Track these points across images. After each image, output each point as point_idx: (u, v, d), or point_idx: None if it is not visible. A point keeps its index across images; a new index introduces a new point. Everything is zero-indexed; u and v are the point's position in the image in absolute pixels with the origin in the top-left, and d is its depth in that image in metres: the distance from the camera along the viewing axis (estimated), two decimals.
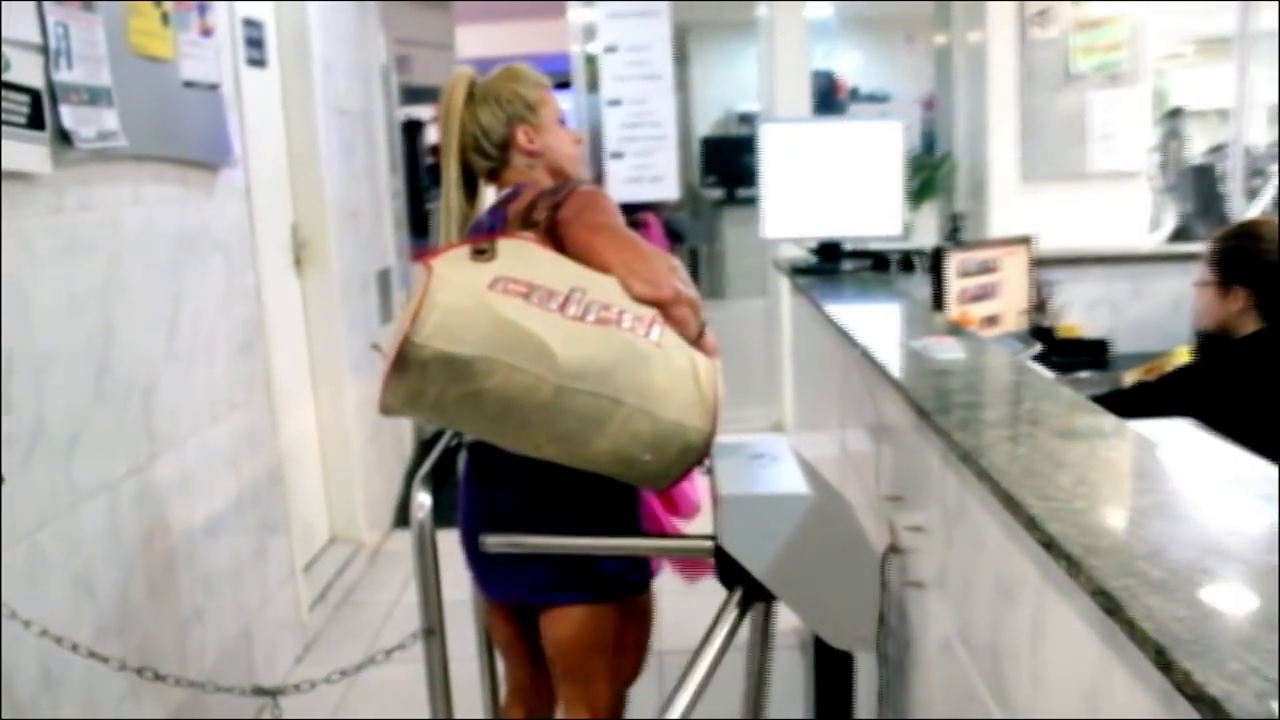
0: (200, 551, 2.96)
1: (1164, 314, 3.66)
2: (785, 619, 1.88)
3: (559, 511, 2.01)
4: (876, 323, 2.72)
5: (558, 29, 5.89)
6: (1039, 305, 3.53)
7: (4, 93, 2.08)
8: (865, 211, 3.44)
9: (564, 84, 5.47)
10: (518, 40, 7.07)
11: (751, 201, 3.55)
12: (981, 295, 3.21)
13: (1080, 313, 3.66)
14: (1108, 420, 1.51)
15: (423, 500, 1.95)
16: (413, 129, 6.40)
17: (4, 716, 2.03)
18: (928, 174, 5.43)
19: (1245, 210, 7.62)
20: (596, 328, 1.67)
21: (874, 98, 8.38)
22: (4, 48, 2.09)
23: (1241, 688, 0.77)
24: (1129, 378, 2.90)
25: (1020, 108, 4.85)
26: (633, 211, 5.87)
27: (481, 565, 2.13)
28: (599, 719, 2.14)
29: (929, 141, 6.11)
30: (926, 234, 5.26)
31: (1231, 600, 0.93)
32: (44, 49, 2.24)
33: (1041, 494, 1.18)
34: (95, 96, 2.43)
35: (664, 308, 1.76)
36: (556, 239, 1.87)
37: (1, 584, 2.00)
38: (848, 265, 3.56)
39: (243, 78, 3.45)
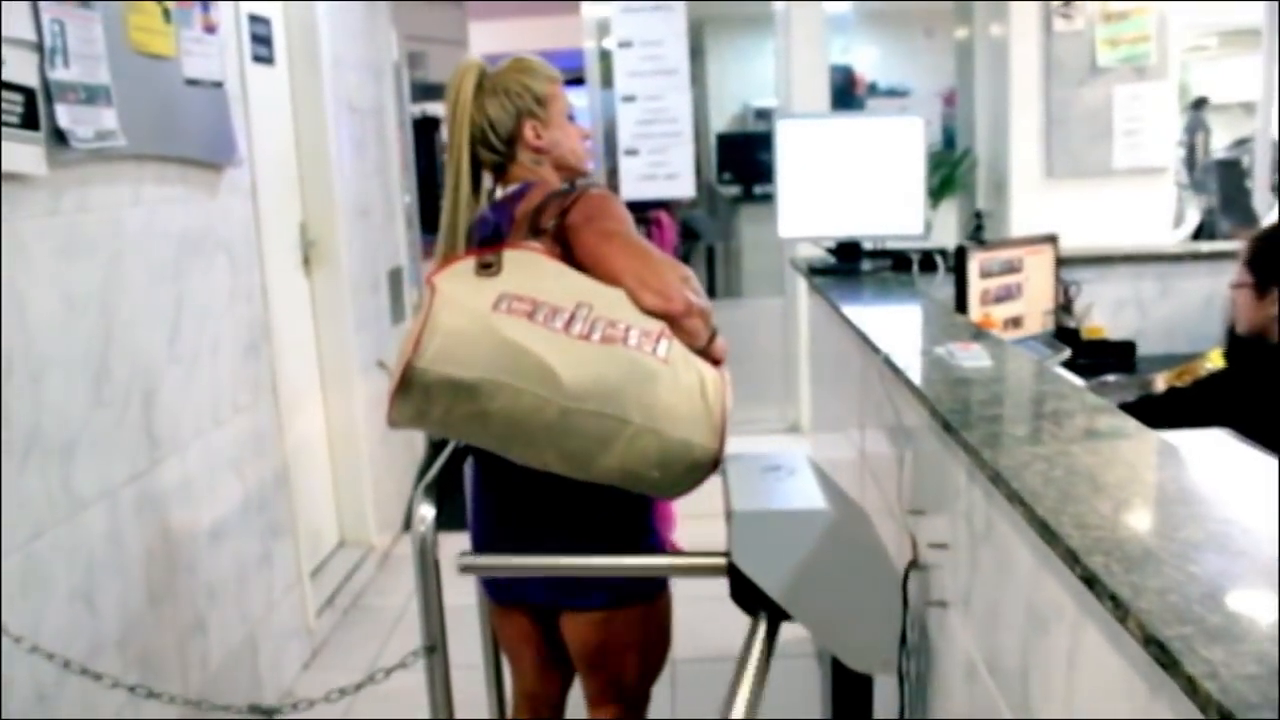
0: (203, 558, 2.90)
1: (1193, 315, 3.56)
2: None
3: (570, 516, 1.98)
4: (897, 326, 2.64)
5: (571, 25, 5.81)
6: (1064, 306, 3.44)
7: None
8: (885, 210, 3.35)
9: (577, 80, 5.40)
10: (531, 36, 7.00)
11: (768, 199, 3.47)
12: (1004, 296, 3.11)
13: (1106, 313, 3.56)
14: (1150, 438, 1.42)
15: (425, 513, 1.87)
16: (429, 126, 6.34)
17: None
18: (948, 170, 5.33)
19: (1272, 205, 7.50)
20: (602, 346, 1.65)
21: (893, 93, 8.29)
22: None
23: None
24: (1160, 382, 2.81)
25: (1043, 102, 4.73)
26: (646, 209, 5.79)
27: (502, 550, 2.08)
28: (626, 715, 2.16)
29: (949, 137, 6.01)
30: (945, 232, 5.16)
31: None
32: (39, 47, 2.18)
33: (1080, 522, 1.09)
34: (93, 95, 2.37)
35: (675, 320, 1.73)
36: (565, 243, 1.84)
37: None
38: (867, 265, 3.47)
39: (248, 75, 3.38)
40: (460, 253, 2.00)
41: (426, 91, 6.37)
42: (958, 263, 2.99)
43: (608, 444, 1.67)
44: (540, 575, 1.98)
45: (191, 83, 2.87)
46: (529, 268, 1.73)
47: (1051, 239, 3.30)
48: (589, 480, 1.77)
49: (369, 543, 4.39)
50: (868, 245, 3.53)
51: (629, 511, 2.01)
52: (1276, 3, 5.81)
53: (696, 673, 3.17)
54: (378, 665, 3.58)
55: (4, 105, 2.05)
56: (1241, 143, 9.86)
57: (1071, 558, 1.02)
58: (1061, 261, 3.36)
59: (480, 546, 2.13)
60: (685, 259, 7.19)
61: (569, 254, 1.83)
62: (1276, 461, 1.59)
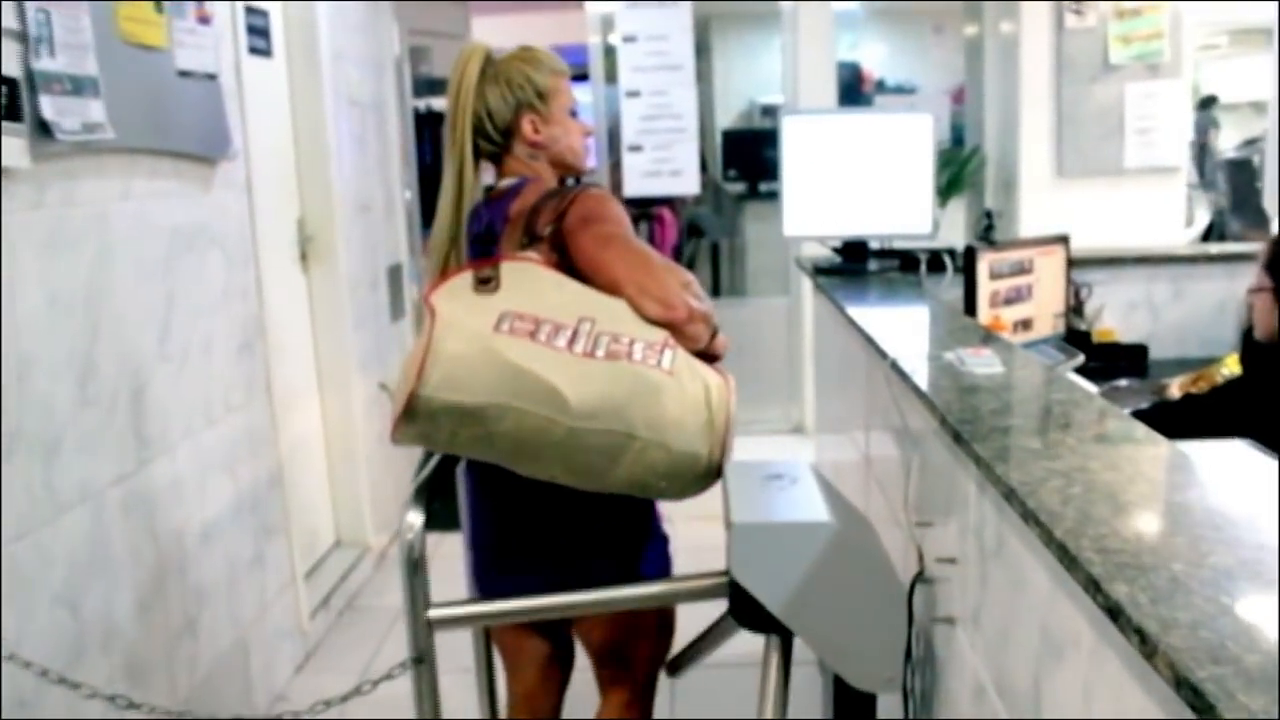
0: (193, 560, 2.83)
1: (1206, 318, 3.49)
2: None
3: (574, 516, 1.95)
4: (904, 328, 2.57)
5: (575, 20, 5.74)
6: (1075, 308, 3.37)
7: None
8: (893, 209, 3.28)
9: (581, 76, 5.32)
10: (535, 31, 6.91)
11: (774, 196, 3.40)
12: (1014, 298, 3.04)
13: (1117, 316, 3.49)
14: (1173, 453, 1.35)
15: (412, 519, 1.81)
16: (434, 120, 6.27)
17: None
18: (956, 169, 5.25)
19: None
20: (607, 363, 1.63)
21: (901, 90, 8.22)
22: None
23: None
24: (1174, 388, 2.73)
25: (1054, 100, 4.66)
26: (649, 205, 5.73)
27: (503, 570, 2.06)
28: (639, 699, 2.20)
29: (957, 135, 5.93)
30: (953, 232, 5.08)
31: None
32: (23, 36, 2.12)
33: (1102, 546, 1.02)
34: (79, 86, 2.30)
35: (677, 328, 1.70)
36: (561, 247, 1.81)
37: None
38: (874, 265, 3.40)
39: (244, 67, 3.31)
40: (460, 243, 1.96)
41: (431, 86, 6.31)
42: (967, 263, 2.92)
43: (615, 459, 1.66)
44: (522, 619, 1.91)
45: (184, 75, 2.80)
46: (528, 282, 1.70)
47: (1063, 239, 3.22)
48: (597, 490, 1.76)
49: (365, 543, 4.32)
50: (874, 245, 3.46)
51: (632, 506, 1.98)
52: None
53: (693, 678, 3.10)
54: (372, 668, 3.56)
55: None
56: (1251, 142, 9.77)
57: (1093, 585, 0.95)
58: (1072, 263, 3.29)
59: (478, 551, 2.10)
60: (689, 257, 7.13)
61: (566, 258, 1.80)
62: None
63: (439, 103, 6.31)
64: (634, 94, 4.98)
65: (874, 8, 7.63)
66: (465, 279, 1.70)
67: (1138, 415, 1.81)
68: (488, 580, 2.10)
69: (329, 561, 4.14)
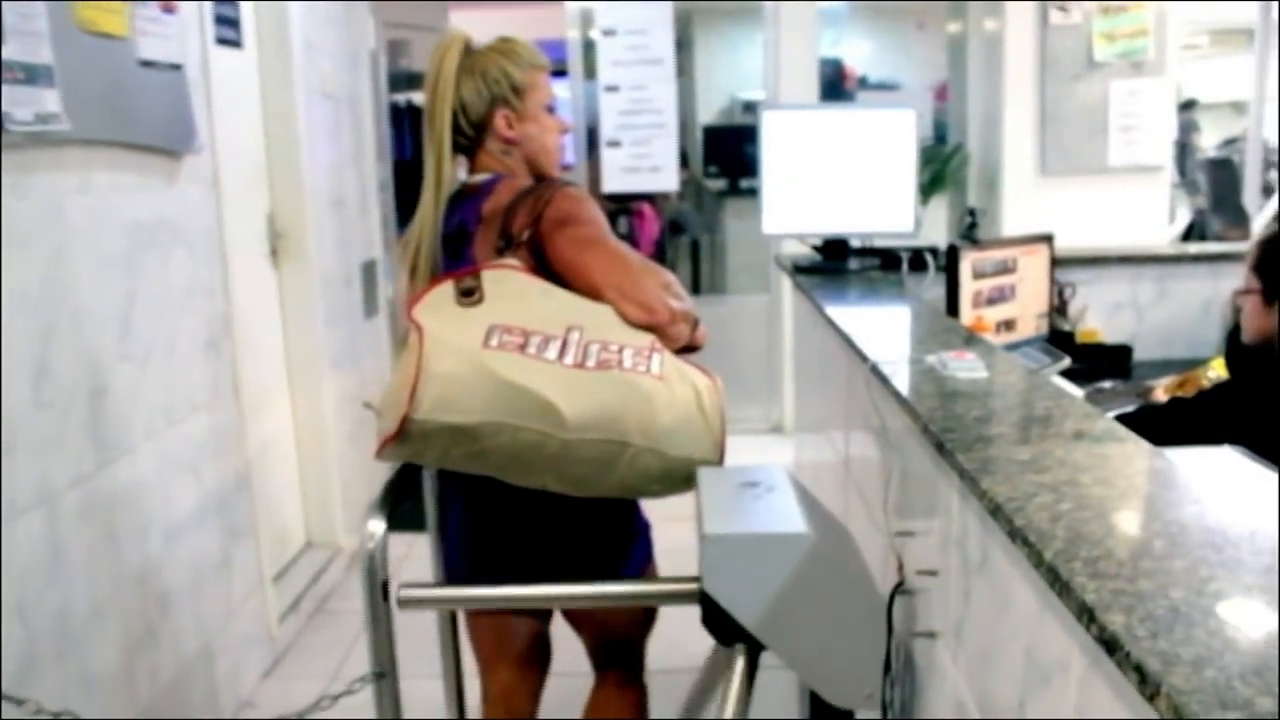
0: (155, 565, 2.75)
1: (1191, 319, 3.44)
2: None
3: (557, 522, 1.92)
4: (885, 329, 2.51)
5: (554, 14, 5.66)
6: (1058, 308, 3.31)
7: None
8: (874, 206, 3.21)
9: (560, 72, 5.25)
10: (513, 26, 6.80)
11: (755, 193, 3.33)
12: (997, 298, 2.98)
13: (1101, 316, 3.44)
14: (1168, 466, 1.28)
15: (373, 528, 1.73)
16: (416, 114, 6.17)
17: None
18: (938, 166, 5.20)
19: (1262, 206, 7.41)
20: (599, 373, 1.61)
21: (883, 87, 8.18)
22: None
23: None
24: (1160, 391, 2.68)
25: (1038, 97, 4.60)
26: (628, 201, 5.65)
27: (484, 577, 2.01)
28: (634, 671, 2.22)
29: (940, 132, 5.88)
30: (935, 230, 5.03)
31: None
32: None
33: (1096, 570, 0.96)
34: (33, 75, 2.22)
35: (660, 330, 1.70)
36: (538, 248, 1.79)
37: None
38: (854, 264, 3.33)
39: (212, 58, 3.22)
40: (435, 242, 1.91)
41: (411, 80, 6.22)
42: (949, 262, 2.86)
43: (609, 467, 1.66)
44: (491, 607, 1.84)
45: (146, 65, 2.71)
46: (512, 291, 1.68)
47: (1047, 239, 3.17)
48: (588, 496, 1.76)
49: (337, 544, 4.24)
50: (855, 243, 3.40)
51: (616, 507, 1.98)
52: (1273, 1, 5.70)
53: (668, 684, 3.04)
54: (343, 671, 3.48)
55: None
56: (1231, 142, 9.78)
57: (1086, 614, 0.89)
58: (1056, 262, 3.24)
59: (458, 558, 2.07)
60: (670, 254, 7.06)
61: (543, 260, 1.78)
62: None
63: (420, 97, 6.20)
64: (613, 88, 4.91)
65: (857, 4, 7.58)
66: (447, 291, 1.67)
67: (1122, 419, 1.75)
68: (497, 566, 2.04)
69: (299, 563, 4.06)
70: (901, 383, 1.77)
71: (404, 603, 1.73)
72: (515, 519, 1.95)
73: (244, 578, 3.33)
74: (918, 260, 3.30)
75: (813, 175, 3.23)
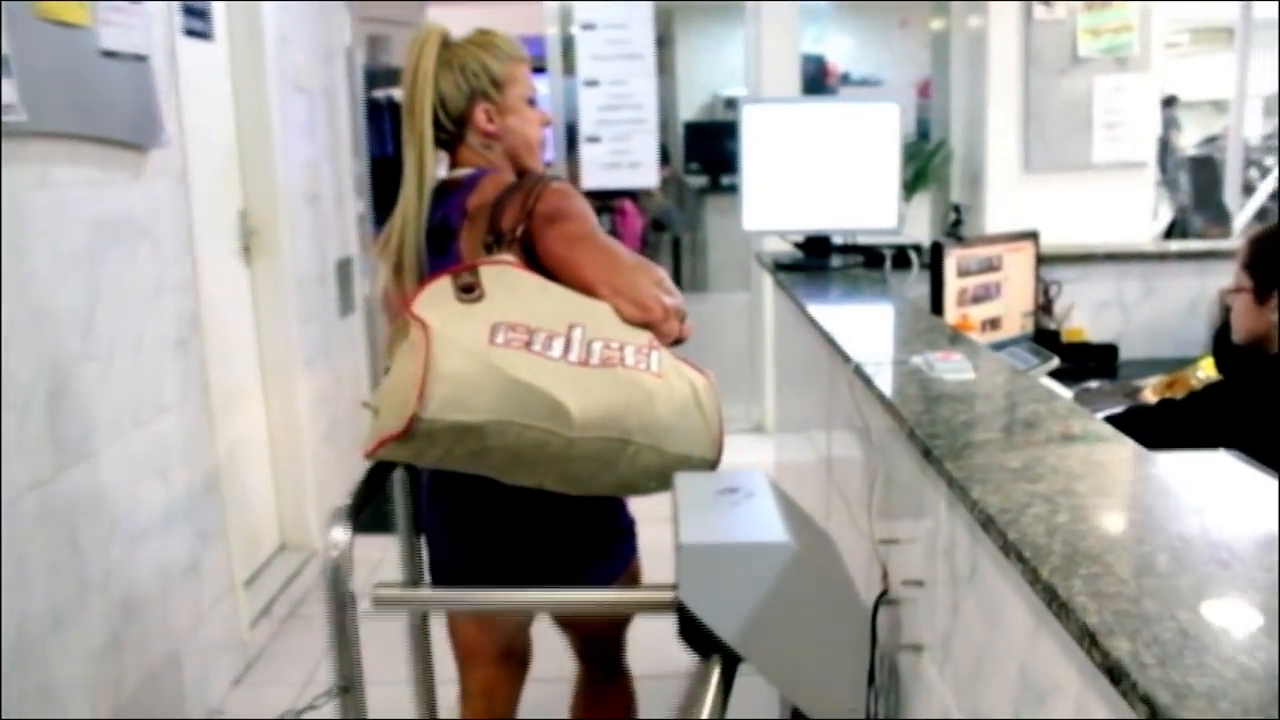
0: (118, 571, 2.67)
1: (1178, 318, 3.39)
2: None
3: (546, 522, 1.92)
4: (868, 328, 2.45)
5: (533, 10, 5.58)
6: (1043, 306, 3.26)
7: None
8: (857, 202, 3.15)
9: (539, 69, 5.17)
10: (491, 22, 6.72)
11: (736, 189, 3.27)
12: (983, 296, 2.93)
13: (1086, 315, 3.39)
14: (1167, 474, 1.21)
15: (337, 537, 1.66)
16: (397, 110, 6.08)
17: None
18: (922, 163, 5.15)
19: (1243, 204, 7.40)
20: (603, 371, 1.61)
21: (865, 83, 8.15)
22: None
23: None
24: (1148, 392, 2.63)
25: (1022, 93, 4.55)
26: (610, 198, 5.58)
27: (482, 565, 1.99)
28: (618, 660, 2.24)
29: (923, 129, 5.83)
30: (917, 226, 4.98)
31: None
32: None
33: (1097, 589, 0.89)
34: None
35: (653, 327, 1.70)
36: (528, 244, 1.78)
37: None
38: (836, 261, 3.27)
39: (180, 49, 3.14)
40: (419, 237, 1.87)
41: (391, 76, 6.14)
42: (934, 260, 2.80)
43: (609, 464, 1.64)
44: (466, 609, 1.79)
45: (109, 55, 2.63)
46: (512, 287, 1.67)
47: (1032, 235, 3.12)
48: (583, 494, 1.75)
49: (311, 546, 4.16)
50: (837, 240, 3.34)
51: (604, 506, 1.99)
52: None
53: (648, 690, 2.98)
54: (316, 677, 3.40)
55: None
56: (1212, 140, 9.79)
57: (1088, 638, 0.82)
58: (1041, 259, 3.18)
59: (446, 558, 2.04)
60: (651, 251, 7.00)
61: (532, 255, 1.77)
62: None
63: (401, 93, 6.11)
64: (592, 83, 4.83)
65: (840, 1, 7.54)
66: (445, 287, 1.65)
67: (1112, 421, 1.70)
68: (485, 565, 2.02)
69: (272, 566, 3.98)
70: (886, 385, 1.70)
71: (378, 602, 1.67)
72: (502, 516, 1.93)
73: (214, 582, 3.25)
74: (901, 257, 3.24)
75: (794, 171, 3.16)
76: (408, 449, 1.60)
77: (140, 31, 2.80)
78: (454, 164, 1.96)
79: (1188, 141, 10.41)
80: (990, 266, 2.95)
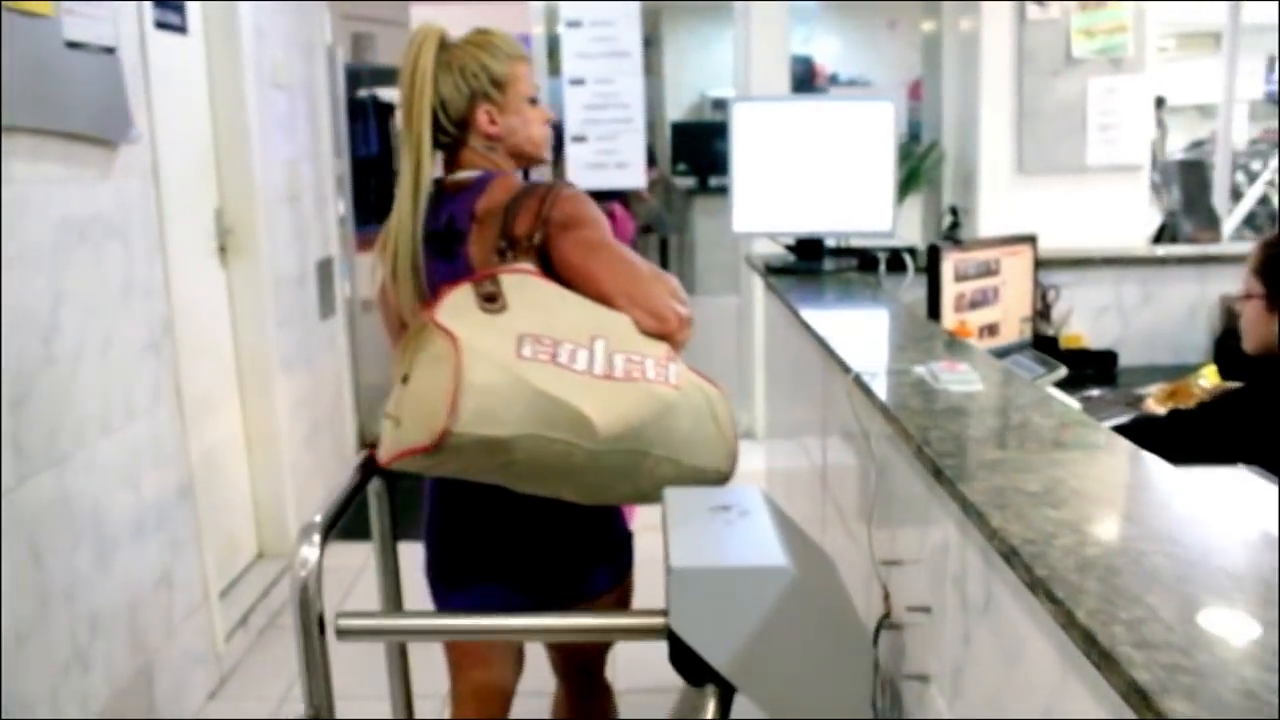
0: (84, 584, 2.56)
1: (1177, 323, 3.31)
2: None
3: (547, 526, 1.90)
4: (865, 335, 2.35)
5: (519, 9, 5.48)
6: (1041, 312, 3.18)
7: None
8: (850, 204, 3.07)
9: None
10: (476, 21, 6.63)
11: (724, 191, 3.18)
12: (980, 301, 2.85)
13: (1085, 320, 3.30)
14: (1202, 498, 1.11)
15: (306, 555, 1.56)
16: (383, 111, 6.00)
17: None
18: (913, 164, 5.06)
19: (1231, 209, 7.36)
20: (626, 385, 1.60)
21: (854, 84, 8.09)
22: None
23: None
24: (1152, 401, 2.54)
25: (1015, 93, 4.46)
26: (599, 200, 5.48)
27: (465, 578, 1.97)
28: (599, 672, 2.22)
29: (914, 130, 5.75)
30: (908, 229, 4.89)
31: None
32: None
33: (1142, 637, 0.79)
34: None
35: (667, 338, 1.72)
36: (542, 250, 1.77)
37: None
38: (830, 265, 3.18)
39: (152, 42, 3.03)
40: (414, 243, 1.82)
41: (376, 75, 6.03)
42: (930, 264, 2.72)
43: (627, 476, 1.65)
44: (436, 639, 1.71)
45: (74, 46, 2.53)
46: (535, 298, 1.67)
47: (1030, 239, 3.04)
48: (596, 504, 1.77)
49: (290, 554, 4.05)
50: (830, 242, 3.25)
51: (605, 511, 1.98)
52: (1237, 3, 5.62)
53: (637, 705, 2.89)
54: (294, 691, 3.29)
55: None
56: (1198, 144, 9.76)
57: (1139, 696, 0.73)
58: (1039, 263, 3.10)
59: (443, 561, 2.00)
60: (639, 253, 6.90)
61: (546, 263, 1.76)
62: None
63: (385, 93, 6.04)
64: (578, 82, 4.73)
65: (828, 2, 7.47)
66: (467, 296, 1.64)
67: (1119, 432, 1.61)
68: (446, 588, 2.01)
69: (249, 576, 3.87)
70: (890, 396, 1.61)
71: (343, 634, 1.57)
72: (506, 522, 1.91)
73: (187, 593, 3.14)
74: (895, 261, 3.15)
75: (786, 171, 3.08)
76: (429, 461, 1.59)
77: (107, 22, 2.69)
78: (455, 166, 1.91)
79: (1173, 146, 10.39)
80: (988, 270, 2.87)
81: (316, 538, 1.61)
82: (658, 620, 1.45)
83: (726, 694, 1.45)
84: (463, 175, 1.89)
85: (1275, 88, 10.11)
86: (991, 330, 2.88)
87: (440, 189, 1.87)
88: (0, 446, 2.24)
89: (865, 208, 3.08)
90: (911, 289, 3.01)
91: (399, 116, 1.87)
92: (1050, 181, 4.49)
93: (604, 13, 4.74)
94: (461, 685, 2.13)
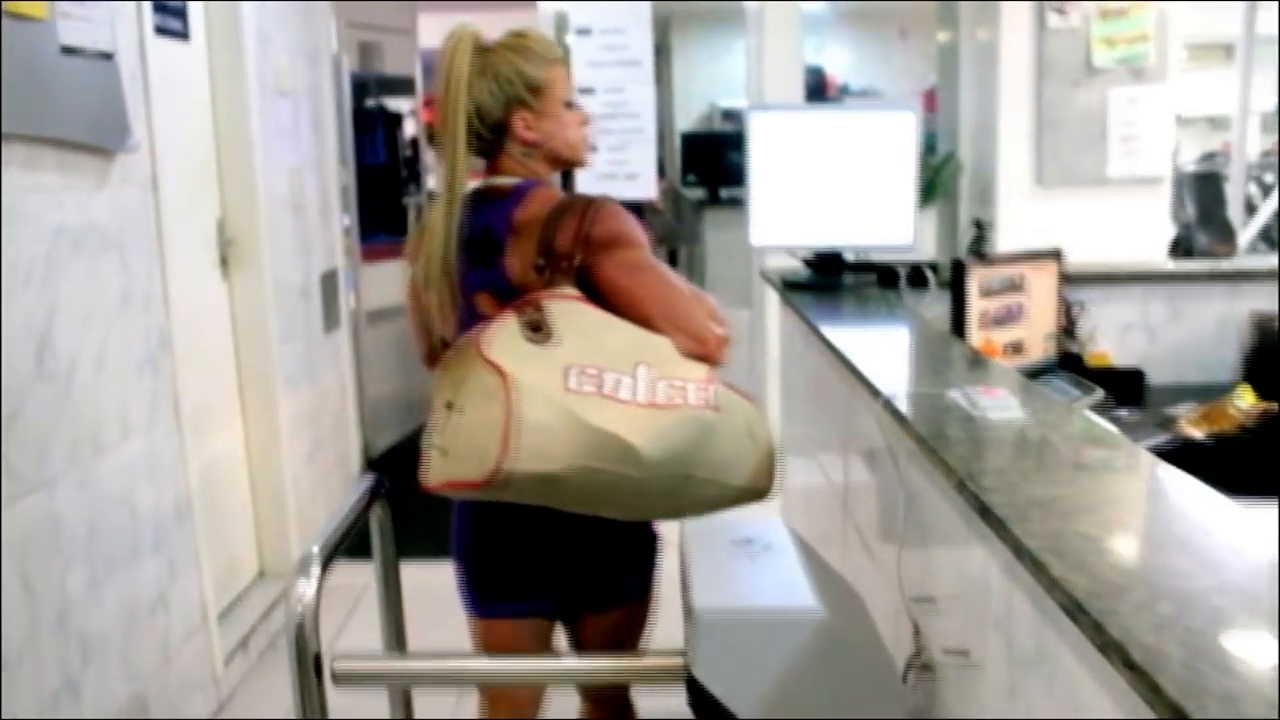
0: (76, 609, 2.47)
1: (1206, 341, 3.21)
2: None
3: (582, 537, 1.88)
4: (890, 354, 2.26)
5: (527, 17, 5.41)
6: (1066, 329, 3.08)
7: None
8: (870, 217, 2.97)
9: None
10: (485, 30, 6.57)
11: (734, 202, 3.09)
12: (1005, 318, 2.75)
13: (1110, 337, 3.20)
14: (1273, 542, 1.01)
15: (302, 590, 1.47)
16: (391, 120, 5.94)
17: None
18: (929, 176, 4.96)
19: (1245, 221, 7.27)
20: (671, 412, 1.59)
21: (865, 95, 8.01)
22: None
23: None
24: (1185, 423, 2.44)
25: (1034, 103, 4.36)
26: None
27: (502, 591, 1.96)
28: (627, 691, 2.13)
29: (929, 141, 5.65)
30: (925, 243, 4.79)
31: None
32: None
33: (1234, 706, 0.70)
34: None
35: (708, 360, 1.71)
36: (581, 268, 1.76)
37: None
38: (849, 279, 3.09)
39: (151, 48, 2.95)
40: (449, 253, 1.80)
41: (383, 85, 5.97)
42: (955, 279, 2.62)
43: (670, 497, 1.65)
44: (436, 683, 1.63)
45: (70, 52, 2.44)
46: (581, 326, 1.67)
47: (1056, 254, 2.94)
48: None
49: None
50: (849, 256, 3.15)
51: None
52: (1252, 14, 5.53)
53: None
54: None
55: None
56: (1210, 157, 9.68)
57: None
58: (1064, 279, 3.00)
59: (476, 572, 1.97)
60: None
61: (585, 280, 1.75)
62: None
63: (393, 102, 5.98)
64: (588, 90, 4.64)
65: (841, 11, 7.39)
66: (512, 327, 1.64)
67: (1158, 456, 1.51)
68: (483, 601, 1.98)
69: (250, 596, 3.78)
70: (925, 425, 1.51)
71: (339, 679, 1.48)
72: (536, 536, 1.89)
73: (184, 616, 3.05)
74: (917, 276, 3.06)
75: (804, 183, 2.98)
76: (478, 493, 1.60)
77: (104, 27, 2.61)
78: (492, 171, 1.88)
79: (1185, 158, 10.31)
80: (1013, 286, 2.77)
81: (315, 570, 1.52)
82: (675, 661, 1.36)
83: None
84: (500, 182, 1.86)
85: None
86: (1016, 348, 2.78)
87: (476, 194, 1.85)
88: None
89: (885, 220, 2.98)
90: (932, 305, 2.91)
91: (434, 119, 1.82)
92: (1070, 194, 4.39)
93: (614, 19, 4.66)
94: (493, 690, 2.07)
